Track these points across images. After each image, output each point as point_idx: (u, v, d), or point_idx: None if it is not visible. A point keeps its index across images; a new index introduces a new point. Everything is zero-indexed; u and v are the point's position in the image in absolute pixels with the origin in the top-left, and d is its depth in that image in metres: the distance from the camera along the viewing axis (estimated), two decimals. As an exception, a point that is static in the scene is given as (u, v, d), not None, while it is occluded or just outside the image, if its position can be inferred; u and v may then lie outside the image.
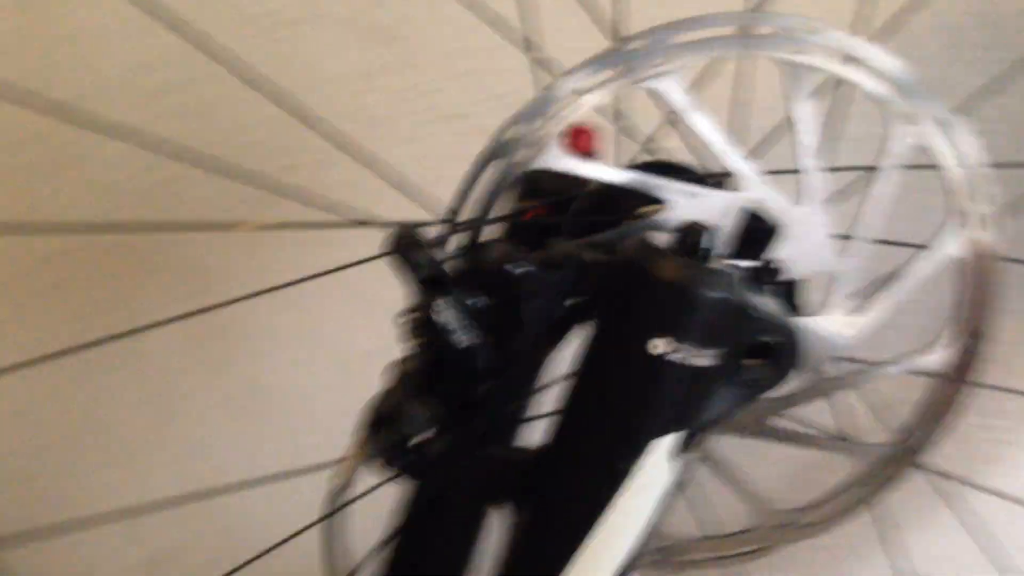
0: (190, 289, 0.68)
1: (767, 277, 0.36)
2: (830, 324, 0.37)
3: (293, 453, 0.71)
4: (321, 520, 0.36)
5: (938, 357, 0.38)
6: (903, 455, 0.40)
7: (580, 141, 0.42)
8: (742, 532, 0.41)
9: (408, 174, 0.43)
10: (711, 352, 0.32)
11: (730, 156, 0.35)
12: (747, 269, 0.36)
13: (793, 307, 0.37)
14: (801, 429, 0.40)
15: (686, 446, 0.34)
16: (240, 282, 0.66)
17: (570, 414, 0.34)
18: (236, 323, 0.71)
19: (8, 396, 0.70)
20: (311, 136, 0.46)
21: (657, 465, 0.33)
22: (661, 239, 0.34)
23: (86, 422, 0.72)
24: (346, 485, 0.36)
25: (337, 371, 0.72)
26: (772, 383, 0.35)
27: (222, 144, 0.65)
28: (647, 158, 0.40)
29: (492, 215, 0.35)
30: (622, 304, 0.33)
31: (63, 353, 0.43)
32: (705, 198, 0.36)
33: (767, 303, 0.34)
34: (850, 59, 0.35)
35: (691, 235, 0.32)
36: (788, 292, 0.38)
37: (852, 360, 0.38)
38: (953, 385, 0.38)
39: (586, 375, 0.33)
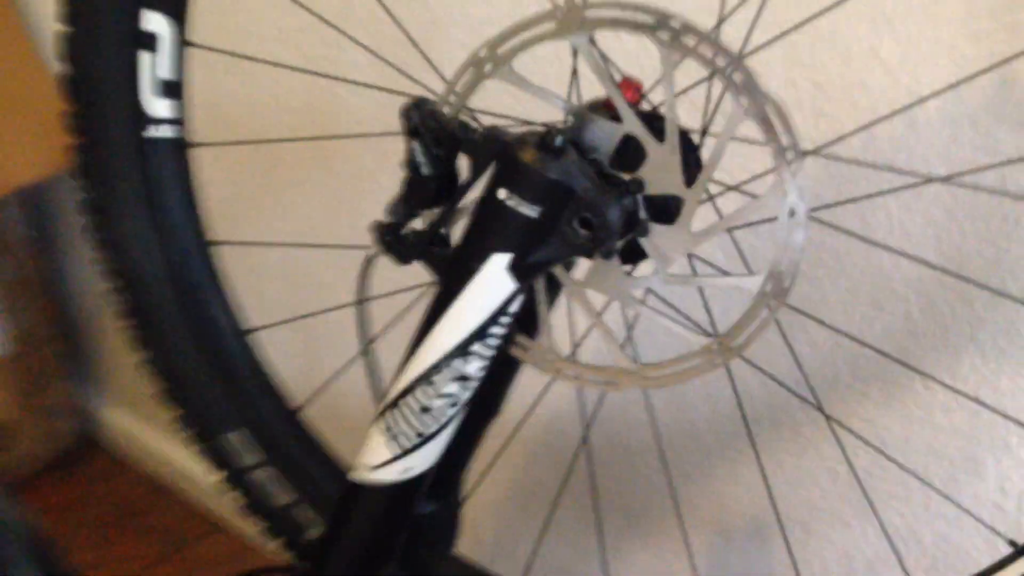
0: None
1: (634, 187, 0.53)
2: (666, 231, 0.53)
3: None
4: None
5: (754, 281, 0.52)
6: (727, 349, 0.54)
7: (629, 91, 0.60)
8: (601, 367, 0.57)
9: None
10: (535, 208, 0.51)
11: (618, 100, 0.52)
12: (610, 174, 0.52)
13: (658, 212, 0.53)
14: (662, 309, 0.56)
15: (527, 274, 0.53)
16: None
17: (464, 230, 0.55)
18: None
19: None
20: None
21: (496, 273, 0.52)
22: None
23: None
24: (372, 256, 0.60)
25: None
26: (587, 249, 0.52)
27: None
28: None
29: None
30: (496, 166, 0.52)
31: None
32: (600, 125, 0.53)
33: (603, 195, 0.51)
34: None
35: (550, 135, 0.51)
36: (662, 204, 0.53)
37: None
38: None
39: (473, 209, 0.54)
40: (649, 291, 0.60)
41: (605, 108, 0.55)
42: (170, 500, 1.58)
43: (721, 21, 0.55)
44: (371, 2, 0.77)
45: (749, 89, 0.49)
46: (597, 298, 0.56)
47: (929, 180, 0.70)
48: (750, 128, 0.50)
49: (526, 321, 0.57)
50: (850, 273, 0.77)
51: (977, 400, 0.73)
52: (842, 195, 0.72)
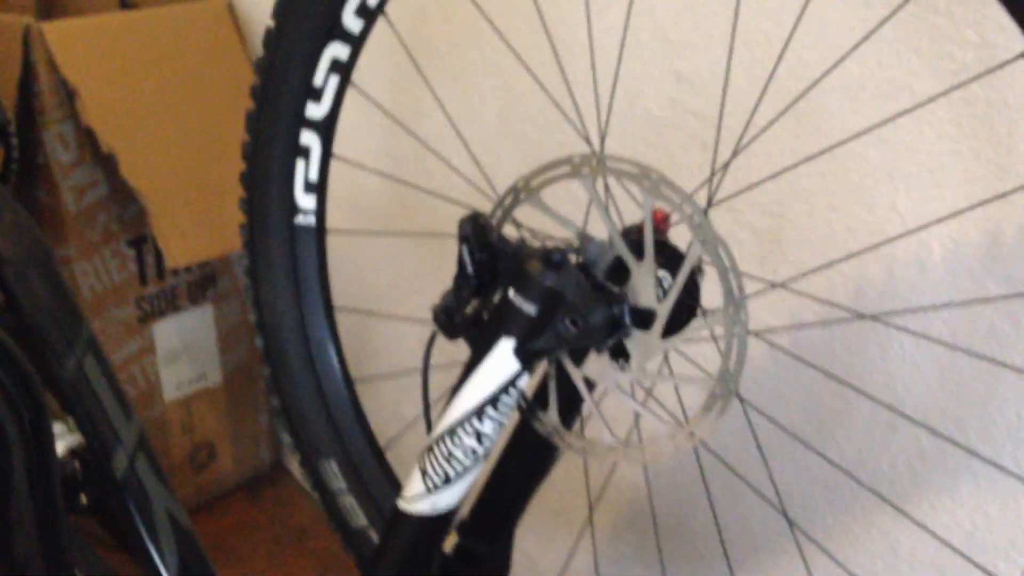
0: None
1: (618, 298, 0.66)
2: (642, 336, 0.66)
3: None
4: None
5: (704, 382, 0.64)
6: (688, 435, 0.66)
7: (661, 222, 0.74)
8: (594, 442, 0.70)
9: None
10: (533, 306, 0.65)
11: (611, 229, 0.67)
12: (598, 282, 0.66)
13: (639, 318, 0.66)
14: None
15: (529, 358, 0.67)
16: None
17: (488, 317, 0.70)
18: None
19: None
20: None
21: (504, 353, 0.67)
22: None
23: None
24: (434, 333, 0.76)
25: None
26: (575, 343, 0.66)
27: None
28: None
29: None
30: (512, 271, 0.68)
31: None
32: (596, 245, 0.68)
33: (589, 301, 0.65)
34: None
35: (554, 253, 0.66)
36: (643, 314, 0.66)
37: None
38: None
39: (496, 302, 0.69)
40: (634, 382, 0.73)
41: (638, 232, 0.69)
42: (337, 531, 1.81)
43: (708, 179, 0.68)
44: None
45: (705, 234, 0.62)
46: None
47: (861, 317, 0.79)
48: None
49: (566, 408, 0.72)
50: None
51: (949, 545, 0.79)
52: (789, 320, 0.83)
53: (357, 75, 0.85)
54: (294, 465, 1.97)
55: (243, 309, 1.79)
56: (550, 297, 0.66)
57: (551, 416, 0.73)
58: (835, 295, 0.84)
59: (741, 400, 0.69)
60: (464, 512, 0.82)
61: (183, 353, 1.74)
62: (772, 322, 0.90)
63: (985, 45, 0.70)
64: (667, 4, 0.91)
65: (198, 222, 1.56)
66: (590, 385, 0.71)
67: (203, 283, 1.73)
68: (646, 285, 0.66)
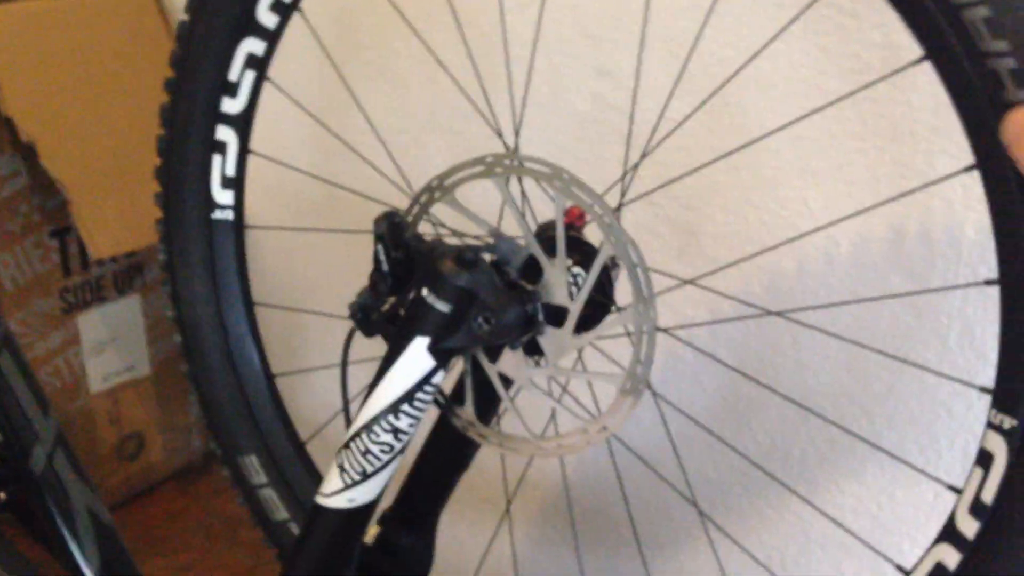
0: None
1: (531, 297, 0.67)
2: (556, 333, 0.67)
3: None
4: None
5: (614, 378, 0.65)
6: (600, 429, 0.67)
7: (577, 219, 0.75)
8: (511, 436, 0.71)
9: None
10: (447, 305, 0.66)
11: (523, 227, 0.67)
12: (511, 280, 0.67)
13: (552, 315, 0.67)
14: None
15: (443, 356, 0.68)
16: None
17: (402, 315, 0.70)
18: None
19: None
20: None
21: (419, 351, 0.68)
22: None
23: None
24: (352, 330, 0.76)
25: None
26: (487, 340, 0.66)
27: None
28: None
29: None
30: (425, 270, 0.68)
31: None
32: (509, 244, 0.68)
33: (502, 299, 0.66)
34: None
35: (467, 252, 0.66)
36: (556, 311, 0.67)
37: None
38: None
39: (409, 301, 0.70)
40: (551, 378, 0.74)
41: (553, 228, 0.70)
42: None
43: (620, 178, 0.69)
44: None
45: (614, 232, 0.63)
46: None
47: (767, 313, 0.82)
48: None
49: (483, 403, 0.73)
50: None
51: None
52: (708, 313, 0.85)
53: (283, 68, 0.85)
54: (226, 455, 1.96)
55: (172, 299, 1.76)
56: (463, 296, 0.66)
57: (467, 411, 0.73)
58: (750, 287, 0.86)
59: (654, 393, 0.71)
60: (387, 504, 0.83)
61: (110, 344, 1.71)
62: (690, 313, 0.92)
63: (889, 46, 0.72)
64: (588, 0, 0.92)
65: (122, 212, 1.53)
66: (507, 381, 0.71)
67: (130, 273, 1.70)
68: (559, 283, 0.67)
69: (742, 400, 0.91)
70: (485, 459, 1.10)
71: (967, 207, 0.70)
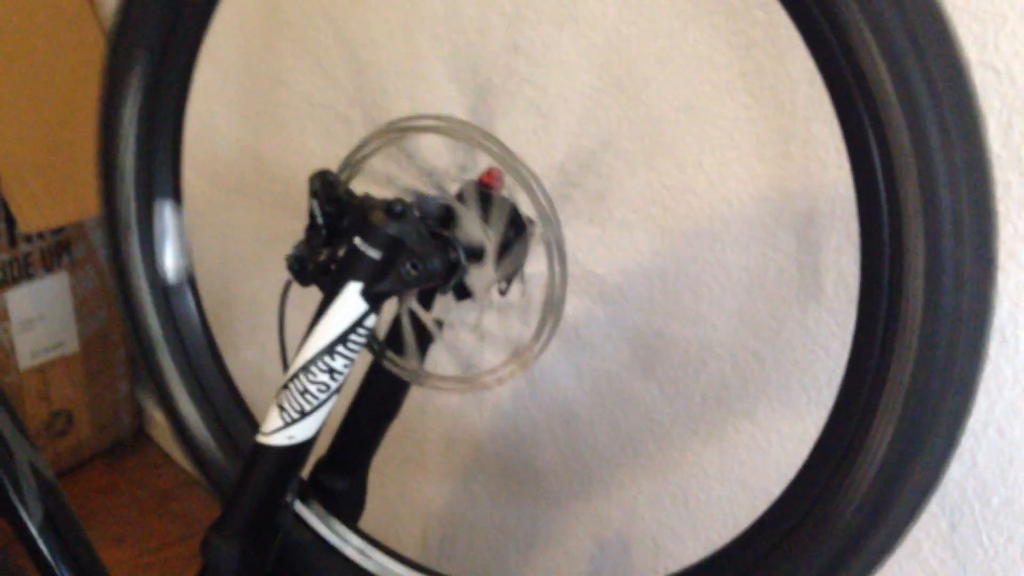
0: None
1: (450, 242, 0.74)
2: (478, 270, 0.74)
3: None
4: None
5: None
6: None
7: (489, 178, 0.83)
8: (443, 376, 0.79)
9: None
10: (378, 252, 0.73)
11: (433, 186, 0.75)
12: (435, 231, 0.74)
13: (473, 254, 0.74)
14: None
15: (376, 299, 0.75)
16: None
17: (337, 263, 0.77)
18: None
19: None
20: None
21: (352, 295, 0.75)
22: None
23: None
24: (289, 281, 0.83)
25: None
26: (415, 285, 0.73)
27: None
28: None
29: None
30: (358, 221, 0.75)
31: None
32: (430, 198, 0.76)
33: (428, 247, 0.73)
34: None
35: (395, 204, 0.73)
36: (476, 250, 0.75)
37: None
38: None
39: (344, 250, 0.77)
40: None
41: (483, 183, 0.78)
42: (200, 492, 1.84)
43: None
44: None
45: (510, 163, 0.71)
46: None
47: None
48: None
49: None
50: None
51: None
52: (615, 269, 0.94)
53: (211, 44, 0.90)
54: (156, 431, 1.99)
55: (99, 276, 1.79)
56: (392, 244, 0.73)
57: (410, 356, 0.80)
58: (654, 245, 0.95)
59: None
60: (321, 452, 0.89)
61: (38, 321, 1.74)
62: (601, 272, 1.00)
63: (771, 24, 0.81)
64: (504, -19, 0.99)
65: (52, 188, 1.56)
66: (439, 324, 0.79)
67: (57, 250, 1.73)
68: (473, 224, 0.74)
69: (648, 350, 0.99)
70: (411, 422, 1.17)
71: (840, 168, 0.80)
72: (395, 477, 1.38)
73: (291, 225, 1.36)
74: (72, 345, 1.79)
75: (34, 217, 1.51)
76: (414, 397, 0.90)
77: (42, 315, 1.74)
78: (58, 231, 1.69)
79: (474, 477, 1.26)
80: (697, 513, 1.01)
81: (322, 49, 1.22)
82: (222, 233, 1.54)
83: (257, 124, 1.38)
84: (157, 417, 1.97)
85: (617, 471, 1.07)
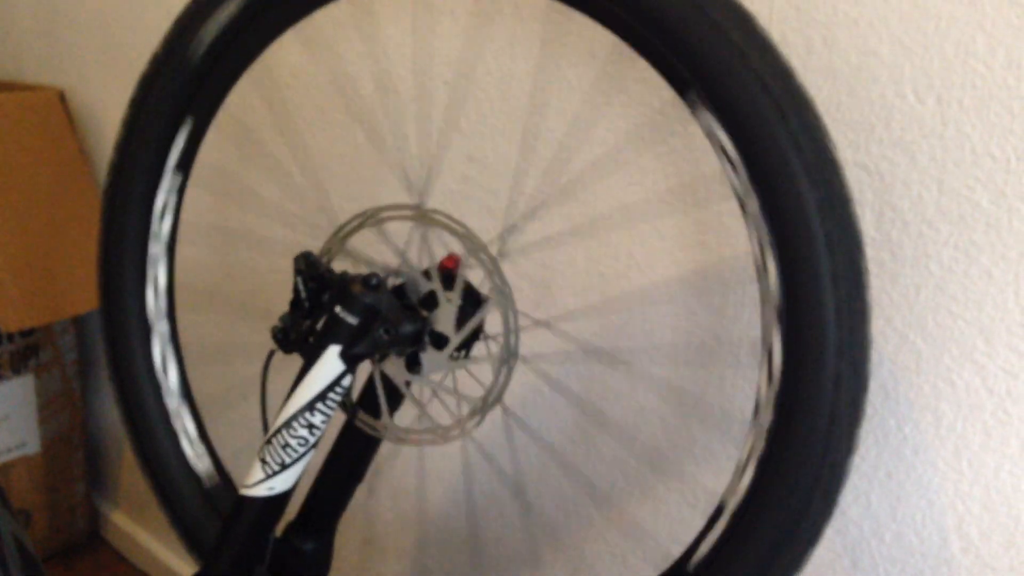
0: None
1: (424, 321, 0.87)
2: (435, 354, 0.86)
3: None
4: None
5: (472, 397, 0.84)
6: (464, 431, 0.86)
7: (450, 262, 0.95)
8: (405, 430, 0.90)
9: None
10: (355, 318, 0.85)
11: (410, 272, 0.87)
12: (409, 303, 0.87)
13: (436, 339, 0.87)
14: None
15: (352, 360, 0.86)
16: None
17: (318, 329, 0.89)
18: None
19: None
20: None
21: (332, 357, 0.86)
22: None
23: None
24: (273, 350, 0.94)
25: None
26: (388, 349, 0.85)
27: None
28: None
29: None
30: (338, 293, 0.87)
31: None
32: (416, 278, 0.88)
33: (399, 315, 0.85)
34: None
35: (372, 277, 0.86)
36: (440, 337, 0.87)
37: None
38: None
39: (325, 318, 0.88)
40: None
41: (444, 266, 0.91)
42: (153, 594, 1.87)
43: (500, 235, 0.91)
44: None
45: (498, 283, 0.84)
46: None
47: (617, 361, 1.04)
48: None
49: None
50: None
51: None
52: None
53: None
54: (110, 533, 2.03)
55: (64, 379, 1.86)
56: (368, 311, 0.85)
57: (381, 414, 0.91)
58: (592, 327, 1.08)
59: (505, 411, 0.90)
60: (291, 515, 0.98)
61: (3, 421, 1.80)
62: (546, 353, 1.13)
63: (687, 134, 0.97)
64: (461, 99, 1.15)
65: (26, 292, 1.65)
66: (407, 384, 0.90)
67: (25, 353, 1.81)
68: (447, 316, 0.86)
69: (588, 422, 1.11)
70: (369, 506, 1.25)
71: (748, 254, 0.94)
72: (353, 562, 1.45)
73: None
74: (34, 445, 1.85)
75: (11, 318, 1.60)
76: (365, 480, 1.00)
77: (7, 415, 1.80)
78: (28, 334, 1.78)
79: (426, 552, 1.34)
80: (635, 569, 1.11)
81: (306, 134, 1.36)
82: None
83: (231, 231, 1.50)
84: (113, 519, 2.01)
85: (562, 536, 1.17)
